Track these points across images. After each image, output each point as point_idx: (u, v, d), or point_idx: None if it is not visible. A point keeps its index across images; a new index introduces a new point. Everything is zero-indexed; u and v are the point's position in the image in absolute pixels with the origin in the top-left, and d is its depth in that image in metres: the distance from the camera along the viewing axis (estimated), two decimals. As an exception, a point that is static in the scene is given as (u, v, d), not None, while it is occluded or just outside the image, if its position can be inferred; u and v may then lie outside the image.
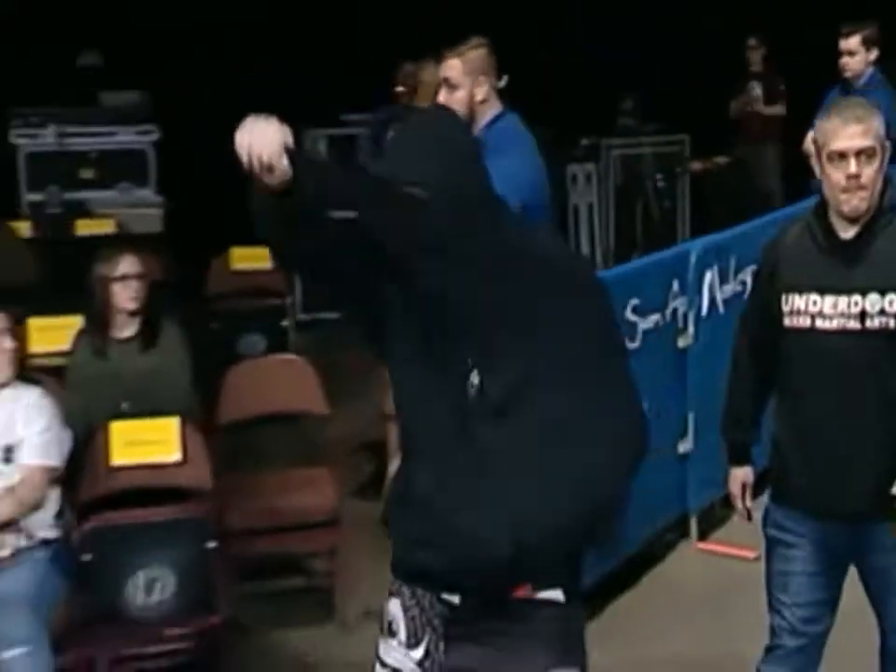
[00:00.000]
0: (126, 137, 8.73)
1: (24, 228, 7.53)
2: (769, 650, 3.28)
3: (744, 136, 9.46)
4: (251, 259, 6.64)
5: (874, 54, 6.10)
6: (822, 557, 3.13)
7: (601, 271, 6.92)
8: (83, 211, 8.33)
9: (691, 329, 5.36)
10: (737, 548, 5.29)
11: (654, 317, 5.17)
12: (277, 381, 5.34)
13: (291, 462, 5.53)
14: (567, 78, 9.42)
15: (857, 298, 2.96)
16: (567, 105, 8.94)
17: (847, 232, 3.00)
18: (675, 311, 5.32)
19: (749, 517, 3.32)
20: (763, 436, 3.37)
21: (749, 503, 3.28)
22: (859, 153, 2.90)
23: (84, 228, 7.68)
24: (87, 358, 4.60)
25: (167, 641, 4.43)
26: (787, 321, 3.06)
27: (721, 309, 5.52)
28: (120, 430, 4.54)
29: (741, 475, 3.27)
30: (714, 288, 5.51)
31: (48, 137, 8.53)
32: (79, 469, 4.48)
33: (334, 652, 4.34)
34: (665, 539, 5.33)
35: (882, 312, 2.95)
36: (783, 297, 3.07)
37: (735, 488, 3.31)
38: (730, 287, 5.60)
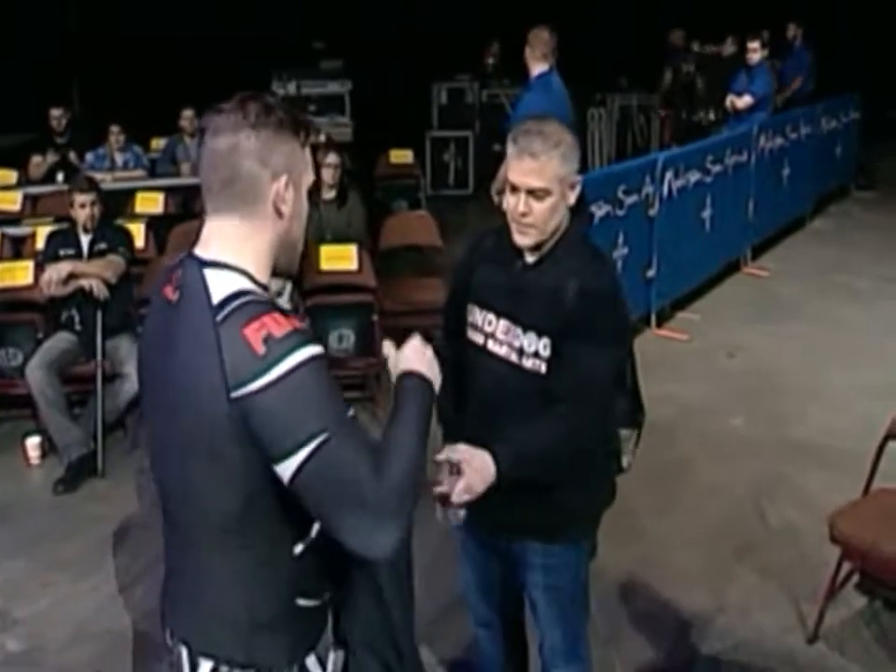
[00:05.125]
0: (334, 87, 11.56)
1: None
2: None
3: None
4: (399, 157, 8.77)
5: (766, 51, 8.53)
6: (487, 564, 2.89)
7: (608, 166, 8.93)
8: (308, 127, 11.09)
9: (656, 204, 6.76)
10: (678, 332, 6.86)
11: (634, 196, 6.56)
12: (413, 226, 7.05)
13: (419, 273, 7.04)
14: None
15: (519, 331, 2.53)
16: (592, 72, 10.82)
17: (530, 256, 2.57)
18: (647, 193, 6.71)
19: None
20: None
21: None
22: (529, 191, 2.45)
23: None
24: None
25: (350, 370, 5.82)
26: (467, 331, 2.66)
27: (675, 194, 6.95)
28: (326, 251, 5.89)
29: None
30: (671, 181, 6.92)
31: (291, 87, 11.43)
32: (302, 271, 5.08)
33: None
34: (637, 326, 6.44)
35: (536, 354, 2.51)
36: (468, 306, 2.66)
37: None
38: (679, 181, 7.01)
